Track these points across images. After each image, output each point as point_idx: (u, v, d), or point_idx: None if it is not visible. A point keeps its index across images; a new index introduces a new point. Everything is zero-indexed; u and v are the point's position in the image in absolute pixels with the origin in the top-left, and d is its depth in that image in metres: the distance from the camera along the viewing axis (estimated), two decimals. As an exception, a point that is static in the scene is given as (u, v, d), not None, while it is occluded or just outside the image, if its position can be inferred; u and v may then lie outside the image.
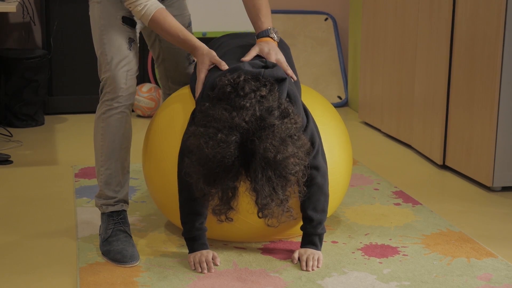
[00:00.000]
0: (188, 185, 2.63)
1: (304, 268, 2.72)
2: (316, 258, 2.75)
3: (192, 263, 2.73)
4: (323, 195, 2.76)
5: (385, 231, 3.11)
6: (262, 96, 2.51)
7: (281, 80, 2.65)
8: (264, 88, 2.54)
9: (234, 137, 2.42)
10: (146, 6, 2.81)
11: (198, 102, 2.73)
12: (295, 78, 2.84)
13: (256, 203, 2.49)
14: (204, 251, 2.75)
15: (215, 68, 2.80)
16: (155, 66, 3.31)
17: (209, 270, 2.70)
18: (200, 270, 2.70)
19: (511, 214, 3.39)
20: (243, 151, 2.44)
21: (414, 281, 2.64)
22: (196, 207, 2.72)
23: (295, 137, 2.49)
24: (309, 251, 2.78)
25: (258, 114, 2.46)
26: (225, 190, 2.49)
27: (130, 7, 2.83)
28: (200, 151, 2.44)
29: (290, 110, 2.54)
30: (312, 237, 2.80)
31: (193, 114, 2.72)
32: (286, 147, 2.44)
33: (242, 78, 2.56)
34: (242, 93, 2.51)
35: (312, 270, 2.72)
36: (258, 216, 2.54)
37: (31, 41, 5.34)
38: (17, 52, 5.00)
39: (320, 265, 2.75)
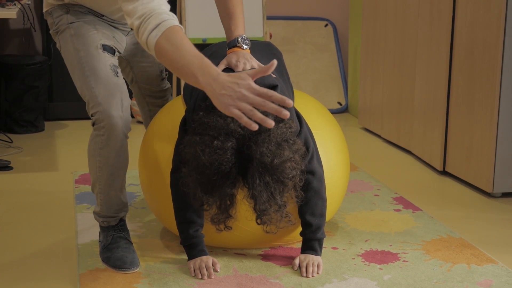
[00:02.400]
0: (179, 195, 2.64)
1: (304, 275, 2.72)
2: (316, 264, 2.75)
3: (192, 269, 2.72)
4: (320, 200, 2.75)
5: (385, 237, 3.11)
6: None
7: (272, 87, 2.63)
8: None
9: (230, 143, 2.41)
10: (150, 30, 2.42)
11: (188, 112, 2.71)
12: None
13: (255, 209, 2.48)
14: (204, 257, 2.74)
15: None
16: (129, 86, 3.15)
17: (209, 276, 2.69)
18: (200, 277, 2.69)
19: (512, 220, 3.39)
20: (240, 157, 2.43)
21: (415, 287, 2.64)
22: (189, 216, 2.71)
23: (291, 142, 2.49)
24: (309, 257, 2.77)
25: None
26: (223, 198, 2.48)
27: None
28: (197, 160, 2.43)
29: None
30: (311, 243, 2.79)
31: (183, 125, 2.71)
32: (282, 151, 2.43)
33: None
34: None
35: (312, 276, 2.71)
36: (257, 223, 2.55)
37: (31, 48, 5.34)
38: (17, 58, 5.00)
39: (320, 271, 2.74)
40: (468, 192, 3.77)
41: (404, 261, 2.87)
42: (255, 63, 2.71)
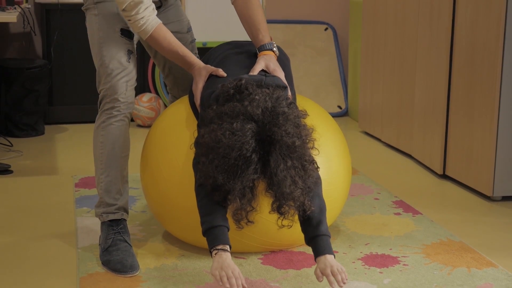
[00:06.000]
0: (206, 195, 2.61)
1: (335, 285, 2.51)
2: (340, 269, 2.52)
3: (218, 276, 2.45)
4: (318, 197, 2.65)
5: (386, 241, 3.11)
6: (267, 92, 2.57)
7: (282, 88, 2.70)
8: (267, 89, 2.60)
9: (249, 125, 2.45)
10: (147, 22, 2.81)
11: (201, 113, 2.73)
12: (290, 97, 2.80)
13: (276, 199, 2.48)
14: (231, 264, 2.49)
15: (212, 80, 2.82)
16: (163, 78, 3.31)
17: (238, 286, 2.44)
18: (228, 286, 2.44)
19: (512, 223, 3.39)
20: (261, 142, 2.45)
21: (415, 291, 2.64)
22: (216, 205, 2.56)
23: (303, 124, 2.55)
24: (328, 263, 2.54)
25: (269, 104, 2.50)
26: (246, 185, 2.45)
27: (129, 20, 2.84)
28: (218, 144, 2.44)
29: (292, 101, 2.62)
30: (318, 241, 2.58)
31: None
32: (300, 132, 2.50)
33: (243, 81, 2.60)
34: (247, 92, 2.56)
35: (343, 284, 2.51)
36: (278, 211, 2.53)
37: (31, 51, 5.35)
38: (17, 62, 5.00)
39: (346, 276, 2.53)
40: (468, 196, 3.77)
41: (404, 264, 2.87)
42: (283, 75, 2.87)
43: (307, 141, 2.55)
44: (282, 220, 2.55)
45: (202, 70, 2.85)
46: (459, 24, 3.83)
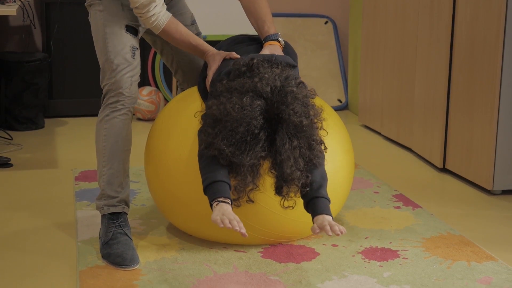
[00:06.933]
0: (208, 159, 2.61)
1: (330, 233, 2.40)
2: (336, 223, 2.44)
3: (220, 220, 2.40)
4: (321, 168, 2.62)
5: (385, 235, 3.11)
6: (276, 72, 2.61)
7: (291, 66, 2.75)
8: (277, 69, 2.64)
9: (259, 102, 2.48)
10: (158, 18, 2.85)
11: (210, 90, 2.77)
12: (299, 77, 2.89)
13: (278, 178, 2.51)
14: (233, 214, 2.43)
15: (225, 63, 2.85)
16: (173, 74, 3.32)
17: (241, 229, 2.40)
18: (229, 226, 2.39)
19: (511, 217, 3.39)
20: (268, 121, 2.48)
21: (414, 285, 2.64)
22: (219, 166, 2.54)
23: (311, 103, 2.58)
24: (325, 218, 2.47)
25: (278, 83, 2.54)
26: (254, 164, 2.48)
27: (141, 17, 2.86)
28: (227, 116, 2.47)
29: (302, 81, 2.65)
30: (316, 202, 2.53)
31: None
32: (308, 111, 2.53)
33: (255, 60, 2.65)
34: (257, 71, 2.60)
35: (341, 233, 2.40)
36: (278, 193, 2.56)
37: (31, 44, 5.34)
38: (17, 55, 5.00)
39: (344, 229, 2.42)
40: (468, 190, 3.77)
41: (404, 258, 2.87)
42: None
43: (316, 120, 2.58)
44: (284, 201, 2.59)
45: (216, 55, 2.89)
46: (459, 19, 3.82)
